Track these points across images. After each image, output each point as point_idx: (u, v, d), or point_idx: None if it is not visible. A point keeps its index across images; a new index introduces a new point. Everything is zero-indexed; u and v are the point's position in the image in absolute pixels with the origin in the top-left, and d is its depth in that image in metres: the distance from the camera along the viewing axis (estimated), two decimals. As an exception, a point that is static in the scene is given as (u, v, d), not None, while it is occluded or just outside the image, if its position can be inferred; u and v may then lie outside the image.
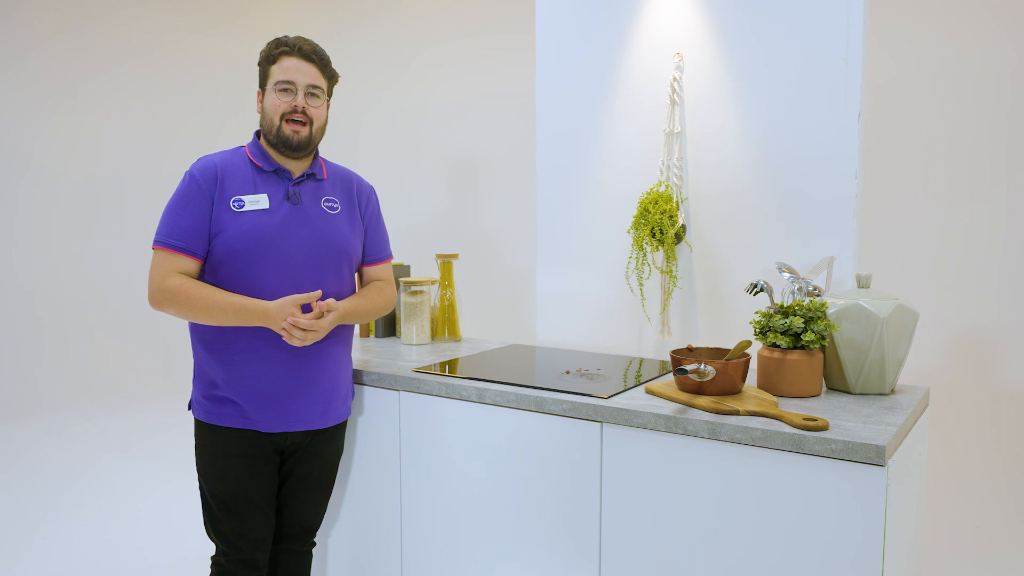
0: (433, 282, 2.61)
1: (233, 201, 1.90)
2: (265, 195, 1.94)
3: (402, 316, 2.57)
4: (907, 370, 3.54)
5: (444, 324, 2.63)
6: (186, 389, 5.67)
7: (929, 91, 3.91)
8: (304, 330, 1.85)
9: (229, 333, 1.91)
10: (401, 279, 2.58)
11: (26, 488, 3.96)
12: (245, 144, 2.03)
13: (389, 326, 2.72)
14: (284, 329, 1.85)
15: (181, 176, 1.97)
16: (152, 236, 1.95)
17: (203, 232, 1.89)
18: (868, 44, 2.32)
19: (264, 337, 1.92)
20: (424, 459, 2.14)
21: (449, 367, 2.23)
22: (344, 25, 6.20)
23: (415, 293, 2.55)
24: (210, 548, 3.03)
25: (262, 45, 2.04)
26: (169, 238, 1.88)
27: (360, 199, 2.15)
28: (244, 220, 1.89)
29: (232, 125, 6.26)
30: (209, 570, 2.07)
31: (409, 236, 5.47)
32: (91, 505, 3.72)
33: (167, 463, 4.33)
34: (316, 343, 1.97)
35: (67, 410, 5.47)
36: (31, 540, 3.32)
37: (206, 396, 1.96)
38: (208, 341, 1.94)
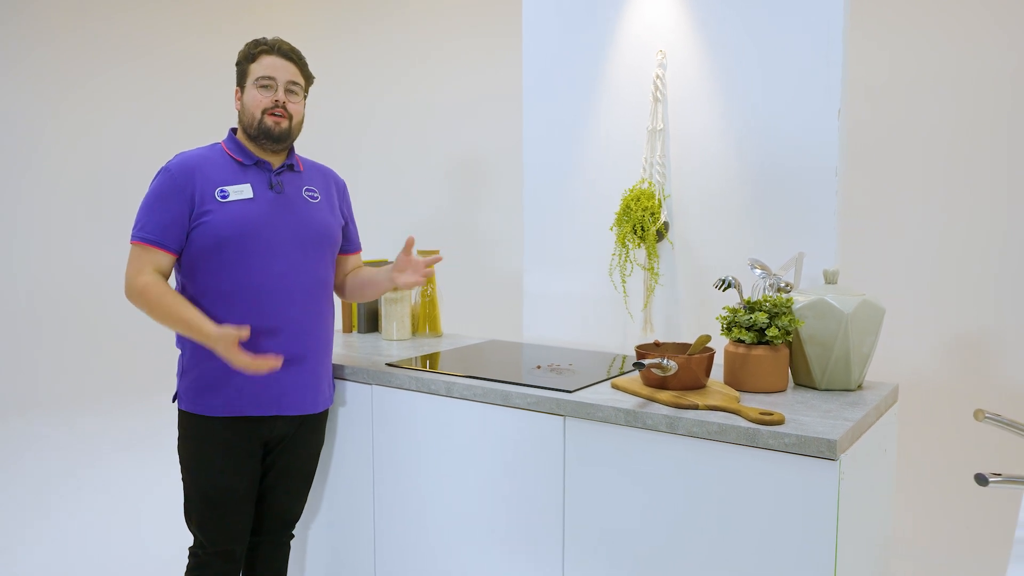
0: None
1: (218, 191, 1.94)
2: (248, 185, 1.99)
3: (383, 311, 2.61)
4: (888, 368, 3.51)
5: (425, 320, 2.66)
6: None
7: (927, 91, 3.86)
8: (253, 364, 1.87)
9: (219, 319, 1.94)
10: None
11: (25, 485, 4.01)
12: (220, 141, 2.07)
13: (371, 321, 2.75)
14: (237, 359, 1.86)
15: None
16: None
17: (178, 227, 1.92)
18: (849, 41, 2.31)
19: (255, 323, 1.94)
20: (396, 451, 2.16)
21: (423, 362, 2.26)
22: (341, 27, 6.25)
23: (396, 289, 2.58)
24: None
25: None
26: (144, 232, 1.92)
27: (338, 191, 2.22)
28: (230, 209, 1.93)
29: (232, 124, 6.31)
30: (187, 559, 2.10)
31: (400, 234, 5.51)
32: (90, 501, 3.78)
33: (166, 459, 4.39)
34: (308, 326, 2.02)
35: (67, 407, 5.53)
36: (30, 537, 3.37)
37: (195, 386, 1.99)
38: None
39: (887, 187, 3.94)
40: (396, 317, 2.59)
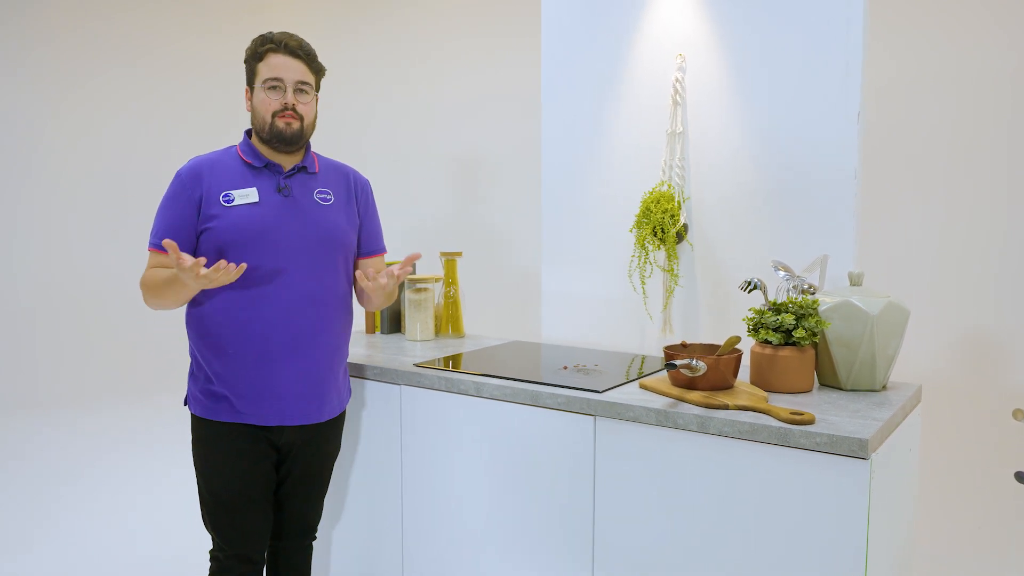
0: (437, 279, 2.67)
1: (222, 196, 1.93)
2: (254, 188, 1.96)
3: (407, 312, 2.63)
4: (906, 368, 3.56)
5: (448, 321, 2.69)
6: (183, 386, 5.74)
7: (930, 91, 3.91)
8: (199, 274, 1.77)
9: (223, 324, 1.93)
10: (407, 276, 2.62)
11: (26, 484, 4.01)
12: (236, 144, 2.05)
13: (394, 322, 2.77)
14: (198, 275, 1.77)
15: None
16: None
17: (184, 230, 1.92)
18: (868, 44, 2.34)
19: (259, 328, 1.92)
20: (424, 451, 2.19)
21: (450, 362, 2.28)
22: (347, 25, 6.26)
23: (420, 290, 2.60)
24: (207, 542, 3.07)
25: None
26: (154, 238, 1.94)
27: (357, 191, 2.16)
28: (234, 213, 1.92)
29: (232, 125, 6.30)
30: (209, 564, 2.08)
31: (416, 235, 5.53)
32: (89, 501, 3.78)
33: (167, 459, 4.39)
34: (314, 334, 1.98)
35: (65, 408, 5.52)
36: (29, 536, 3.37)
37: (201, 391, 1.98)
38: (203, 334, 1.96)
39: (888, 187, 3.99)
40: (420, 318, 2.61)
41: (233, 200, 1.93)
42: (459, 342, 2.63)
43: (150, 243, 1.95)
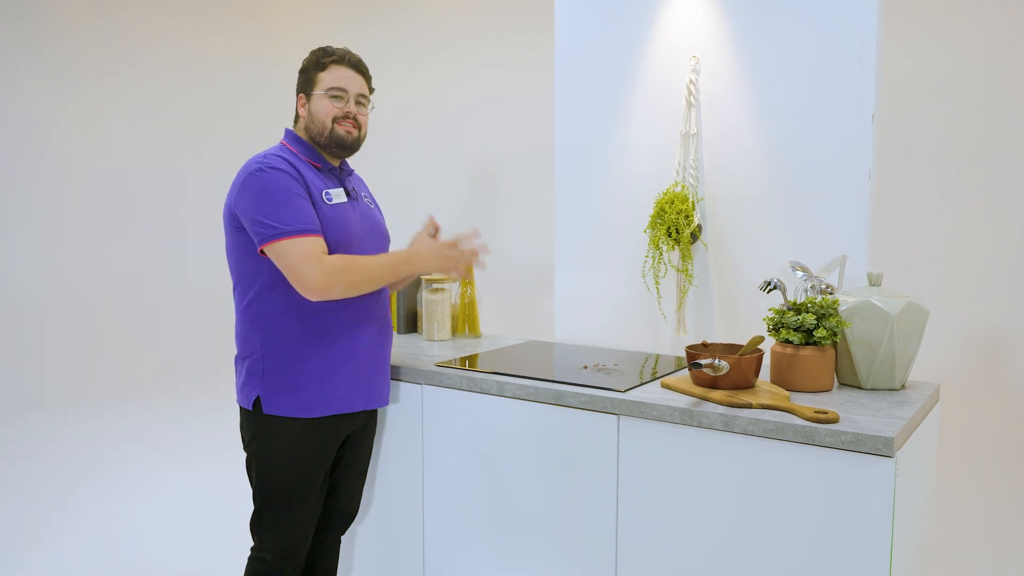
0: (454, 280, 2.68)
1: (324, 194, 1.96)
2: (342, 188, 2.04)
3: (424, 313, 2.65)
4: (920, 368, 3.58)
5: (464, 321, 2.70)
6: (186, 384, 5.70)
7: (941, 91, 3.94)
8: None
9: (327, 317, 1.95)
10: (423, 277, 2.65)
11: (35, 484, 4.02)
12: (281, 144, 2.03)
13: (411, 322, 2.79)
14: (459, 261, 2.04)
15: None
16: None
17: (316, 217, 1.91)
18: (882, 44, 2.36)
19: (361, 319, 2.02)
20: (446, 450, 2.20)
21: (470, 362, 2.30)
22: (356, 26, 6.27)
23: (437, 291, 2.62)
24: (225, 541, 3.08)
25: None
26: (301, 224, 1.84)
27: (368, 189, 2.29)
28: (338, 212, 1.97)
29: (226, 124, 6.35)
30: (250, 565, 2.05)
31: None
32: (103, 500, 3.79)
33: (168, 458, 4.41)
34: (388, 320, 2.15)
35: (71, 408, 5.53)
36: (37, 536, 3.37)
37: (279, 388, 1.94)
38: (303, 328, 1.93)
39: (901, 186, 4.01)
40: (437, 318, 2.62)
41: (332, 199, 1.98)
42: (476, 342, 2.64)
43: (301, 229, 1.84)
